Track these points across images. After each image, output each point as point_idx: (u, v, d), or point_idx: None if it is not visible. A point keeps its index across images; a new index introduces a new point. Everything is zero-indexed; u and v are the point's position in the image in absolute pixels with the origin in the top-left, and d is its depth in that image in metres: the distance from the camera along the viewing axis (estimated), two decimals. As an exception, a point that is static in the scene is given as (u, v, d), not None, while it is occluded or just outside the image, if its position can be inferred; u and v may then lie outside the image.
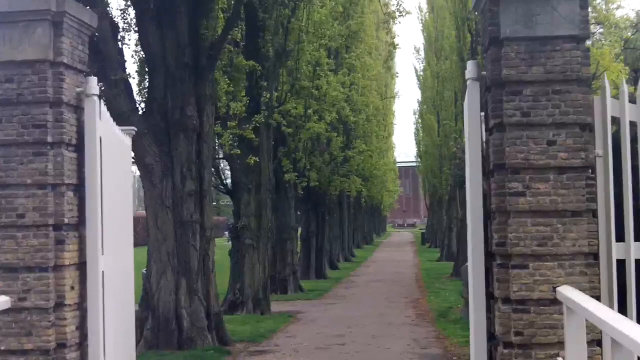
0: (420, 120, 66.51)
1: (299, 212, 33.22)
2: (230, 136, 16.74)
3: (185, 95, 13.37)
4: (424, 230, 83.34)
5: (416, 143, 71.54)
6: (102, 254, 8.03)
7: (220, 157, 20.73)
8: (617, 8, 26.47)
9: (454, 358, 13.07)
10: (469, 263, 8.28)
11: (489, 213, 7.84)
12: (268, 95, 18.97)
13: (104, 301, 8.03)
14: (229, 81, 16.15)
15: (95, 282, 7.94)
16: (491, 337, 7.86)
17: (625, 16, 26.90)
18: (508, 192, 7.46)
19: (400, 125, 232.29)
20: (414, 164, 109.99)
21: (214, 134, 14.64)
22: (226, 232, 44.27)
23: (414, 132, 72.46)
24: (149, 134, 13.19)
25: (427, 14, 54.26)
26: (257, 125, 18.29)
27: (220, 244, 21.25)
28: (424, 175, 67.44)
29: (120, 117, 13.08)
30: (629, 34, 27.67)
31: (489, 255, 7.87)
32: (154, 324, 13.24)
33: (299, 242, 30.58)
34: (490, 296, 7.90)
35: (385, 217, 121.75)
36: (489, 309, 7.94)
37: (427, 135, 56.67)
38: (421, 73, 60.45)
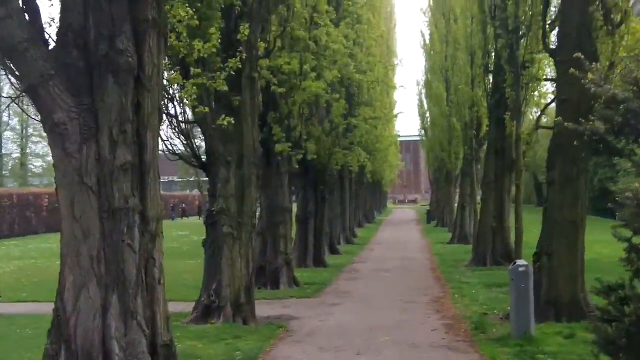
0: (425, 90, 62.23)
1: (293, 188, 28.72)
2: (194, 88, 12.17)
3: (116, 19, 8.80)
4: (427, 207, 79.05)
5: (419, 115, 67.53)
6: None
7: (190, 120, 16.14)
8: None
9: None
10: None
11: None
12: (246, 32, 14.24)
13: None
14: (191, 11, 11.55)
15: None
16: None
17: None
18: None
19: (399, 98, 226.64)
20: (415, 138, 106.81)
21: (162, 80, 9.94)
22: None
23: (417, 104, 68.02)
24: (59, 78, 8.66)
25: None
26: (232, 73, 13.72)
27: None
28: (429, 148, 63.09)
29: (11, 51, 8.66)
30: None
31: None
32: (70, 364, 8.81)
33: (294, 226, 26.13)
34: None
35: (385, 193, 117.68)
36: None
37: (434, 105, 52.35)
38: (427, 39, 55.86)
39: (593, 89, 9.53)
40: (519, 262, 13.10)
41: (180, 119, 16.24)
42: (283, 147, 20.26)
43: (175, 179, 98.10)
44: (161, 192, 9.37)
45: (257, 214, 22.68)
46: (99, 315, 8.83)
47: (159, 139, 9.52)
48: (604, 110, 9.28)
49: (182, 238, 44.34)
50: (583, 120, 11.00)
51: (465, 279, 22.95)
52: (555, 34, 16.17)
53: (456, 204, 47.38)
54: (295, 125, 21.94)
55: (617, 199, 8.37)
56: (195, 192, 78.94)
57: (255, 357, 11.98)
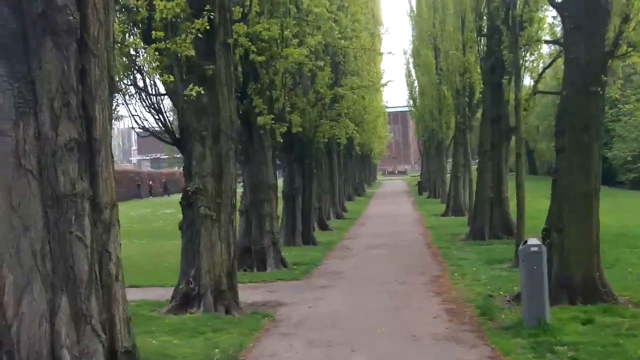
0: (413, 59, 60.80)
1: (279, 163, 27.36)
2: (157, 54, 10.72)
3: (54, -30, 7.38)
4: (418, 178, 77.85)
5: (408, 85, 66.28)
6: None
7: (161, 93, 14.67)
8: None
9: None
10: None
11: None
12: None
13: None
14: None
15: None
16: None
17: None
18: None
19: (386, 68, 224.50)
20: (403, 109, 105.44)
21: (113, 42, 8.42)
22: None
23: (405, 74, 66.64)
24: (-13, 41, 7.25)
25: None
26: (200, 36, 12.25)
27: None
28: (418, 118, 61.74)
29: None
30: None
31: None
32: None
33: (280, 203, 24.78)
34: None
35: (375, 165, 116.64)
36: None
37: (423, 74, 50.98)
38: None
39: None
40: (531, 241, 11.71)
41: (151, 92, 14.80)
42: (265, 119, 18.85)
43: (162, 155, 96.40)
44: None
45: (241, 191, 21.37)
46: (46, 321, 7.50)
47: (112, 111, 8.08)
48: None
49: (168, 216, 43.03)
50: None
51: (463, 255, 21.68)
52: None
53: (449, 175, 46.15)
54: (278, 96, 20.49)
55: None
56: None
57: (236, 356, 10.64)
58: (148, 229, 35.68)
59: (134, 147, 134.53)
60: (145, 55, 11.65)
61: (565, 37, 13.88)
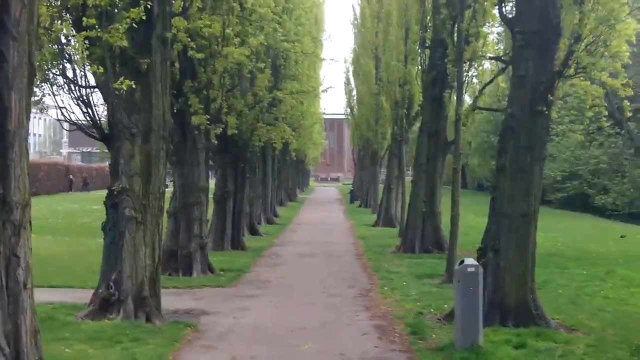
0: (353, 67, 60.75)
1: (211, 163, 26.63)
2: (86, 43, 10.00)
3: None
4: (351, 187, 77.72)
5: (346, 93, 66.15)
6: None
7: (91, 85, 13.86)
8: None
9: None
10: None
11: None
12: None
13: None
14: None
15: None
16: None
17: None
18: None
19: (324, 76, 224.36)
20: (339, 116, 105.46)
21: (37, 26, 7.63)
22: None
23: (344, 82, 66.54)
24: None
25: None
26: (135, 27, 11.55)
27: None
28: (355, 127, 61.57)
29: None
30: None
31: None
32: None
33: (211, 206, 24.09)
34: None
35: (309, 171, 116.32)
36: None
37: (362, 83, 50.85)
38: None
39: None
40: (467, 260, 11.37)
41: (80, 83, 13.98)
42: (200, 119, 18.18)
43: (95, 149, 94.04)
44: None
45: (171, 193, 20.62)
46: (-58, 331, 6.77)
47: (31, 102, 7.34)
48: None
49: (95, 213, 41.72)
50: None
51: (394, 268, 21.37)
52: (513, 1, 14.45)
53: (382, 185, 46.01)
54: (215, 96, 19.82)
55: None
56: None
57: (154, 368, 10.01)
58: (73, 225, 34.43)
59: (65, 139, 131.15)
60: (74, 43, 10.87)
61: (514, 54, 13.62)
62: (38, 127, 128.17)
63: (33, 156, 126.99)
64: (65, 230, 31.76)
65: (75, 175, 75.42)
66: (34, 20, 7.29)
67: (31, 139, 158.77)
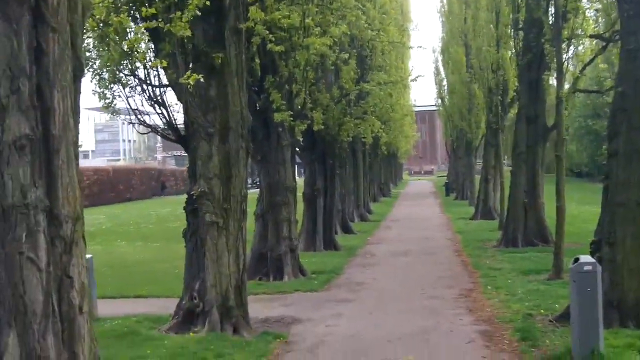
0: (442, 57, 59.17)
1: (299, 161, 25.79)
2: (144, 35, 9.13)
3: None
4: (446, 179, 75.89)
5: (436, 83, 64.47)
6: None
7: (164, 83, 13.11)
8: None
9: None
10: None
11: None
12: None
13: None
14: None
15: None
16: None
17: None
18: None
19: (413, 67, 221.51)
20: (430, 108, 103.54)
21: (80, 16, 6.73)
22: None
23: (434, 72, 64.93)
24: None
25: None
26: (205, 18, 10.65)
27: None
28: (447, 118, 59.94)
29: None
30: None
31: None
32: None
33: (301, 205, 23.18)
34: None
35: (401, 165, 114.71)
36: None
37: (453, 72, 49.23)
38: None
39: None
40: (583, 258, 10.03)
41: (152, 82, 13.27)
42: (283, 116, 17.24)
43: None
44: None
45: (257, 195, 19.86)
46: (-11, 366, 5.96)
47: (79, 102, 6.47)
48: None
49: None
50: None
51: (496, 265, 20.00)
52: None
53: (478, 176, 44.38)
54: (298, 91, 18.88)
55: None
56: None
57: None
58: (164, 230, 34.18)
59: (159, 144, 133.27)
60: (132, 36, 10.03)
61: (622, 25, 12.15)
62: (133, 133, 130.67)
63: (128, 162, 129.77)
64: (155, 235, 31.54)
65: (169, 179, 76.51)
66: (78, 9, 6.42)
67: (125, 145, 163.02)
